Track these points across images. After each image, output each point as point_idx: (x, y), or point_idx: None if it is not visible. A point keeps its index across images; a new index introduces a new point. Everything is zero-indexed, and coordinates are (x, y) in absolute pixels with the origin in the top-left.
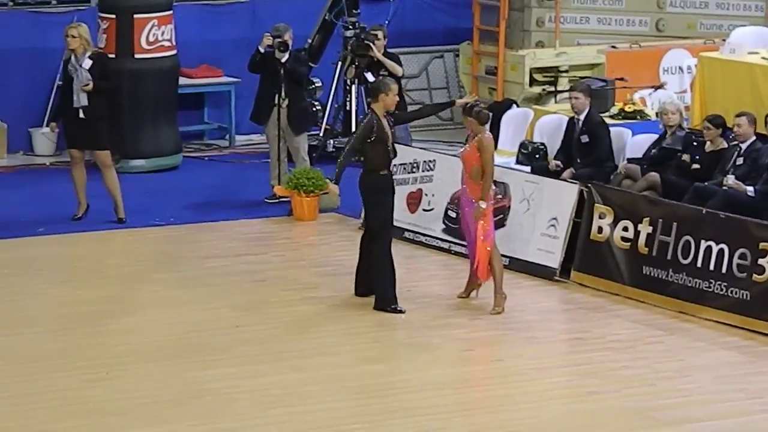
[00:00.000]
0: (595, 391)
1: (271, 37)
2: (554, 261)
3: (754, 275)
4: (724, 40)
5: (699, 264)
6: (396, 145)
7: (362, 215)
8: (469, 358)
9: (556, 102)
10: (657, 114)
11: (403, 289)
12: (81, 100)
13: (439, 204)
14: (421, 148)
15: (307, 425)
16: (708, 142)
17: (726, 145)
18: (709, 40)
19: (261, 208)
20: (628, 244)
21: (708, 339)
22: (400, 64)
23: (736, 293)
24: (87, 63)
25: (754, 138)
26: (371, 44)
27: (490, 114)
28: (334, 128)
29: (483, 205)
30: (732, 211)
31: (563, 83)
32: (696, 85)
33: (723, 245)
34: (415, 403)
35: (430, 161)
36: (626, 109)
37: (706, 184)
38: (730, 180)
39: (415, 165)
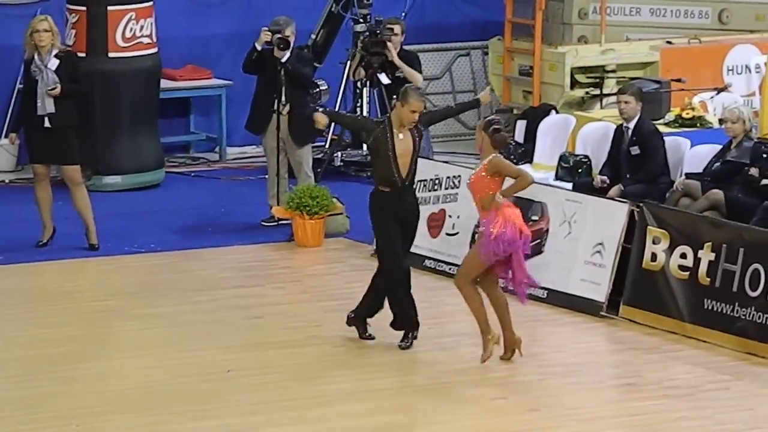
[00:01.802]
0: None
1: (269, 33)
2: (600, 294)
3: None
4: None
5: None
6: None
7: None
8: (500, 407)
9: (601, 107)
10: (720, 121)
11: (424, 327)
12: (46, 106)
13: (465, 227)
14: (443, 162)
15: None
16: None
17: None
18: None
19: (257, 232)
20: (687, 273)
21: None
22: (420, 65)
23: None
24: (53, 63)
25: None
26: (387, 41)
27: (510, 140)
28: (342, 139)
29: (500, 199)
30: None
31: (610, 85)
32: (766, 87)
33: None
34: None
35: (454, 177)
36: (684, 115)
37: None
38: None
39: (437, 181)
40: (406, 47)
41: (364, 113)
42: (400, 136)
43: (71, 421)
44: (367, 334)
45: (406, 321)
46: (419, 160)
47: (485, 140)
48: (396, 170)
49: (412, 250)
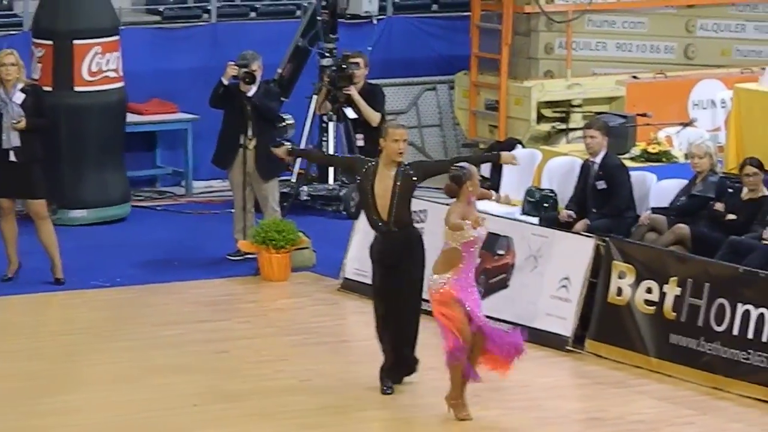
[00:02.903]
0: None
1: (236, 67)
2: (566, 328)
3: None
4: (763, 68)
5: (735, 331)
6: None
7: None
8: None
9: (567, 142)
10: (686, 156)
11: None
12: (12, 140)
13: (430, 261)
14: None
15: None
16: (745, 189)
17: (766, 193)
18: (747, 69)
19: (223, 266)
20: (653, 308)
21: (746, 419)
22: (383, 99)
23: None
24: (19, 97)
25: None
26: (353, 77)
27: (461, 185)
28: (308, 173)
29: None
30: None
31: (576, 120)
32: (731, 122)
33: (763, 309)
34: None
35: (420, 211)
36: (650, 149)
37: (743, 237)
38: None
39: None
40: (371, 81)
41: (330, 148)
42: (386, 174)
43: None
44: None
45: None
46: None
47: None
48: (375, 212)
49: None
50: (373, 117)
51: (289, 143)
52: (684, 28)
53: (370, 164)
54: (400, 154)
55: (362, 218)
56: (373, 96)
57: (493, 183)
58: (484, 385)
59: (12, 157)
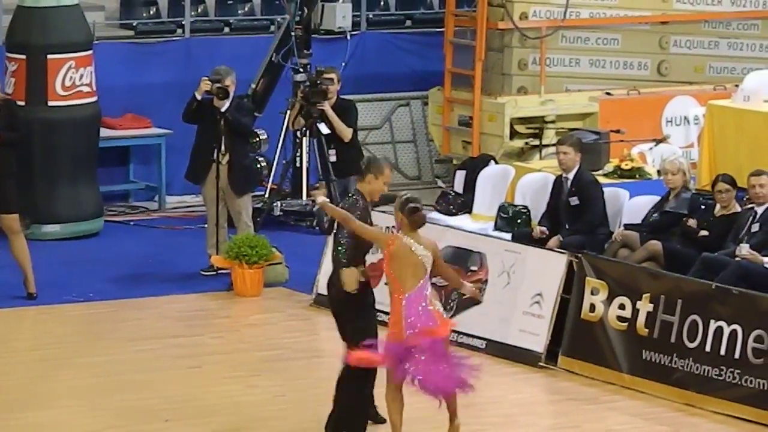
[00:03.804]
0: None
1: (209, 82)
2: (539, 344)
3: None
4: (736, 85)
5: (708, 348)
6: None
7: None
8: None
9: (541, 158)
10: (659, 172)
11: None
12: None
13: None
14: (381, 212)
15: None
16: (718, 205)
17: (739, 209)
18: (720, 85)
19: (196, 281)
20: (625, 324)
21: None
22: (356, 114)
23: (751, 382)
24: None
25: None
26: (327, 93)
27: (425, 219)
28: (281, 188)
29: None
30: (746, 285)
31: (549, 136)
32: (704, 139)
33: (736, 326)
34: None
35: (392, 227)
36: (623, 166)
37: (716, 254)
38: (744, 249)
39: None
40: (344, 97)
41: (304, 162)
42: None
43: None
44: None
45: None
46: None
47: (403, 221)
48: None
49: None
50: (346, 132)
51: (263, 158)
52: (657, 44)
53: (358, 201)
54: (376, 198)
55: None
56: (346, 111)
57: (466, 199)
58: (457, 401)
59: None
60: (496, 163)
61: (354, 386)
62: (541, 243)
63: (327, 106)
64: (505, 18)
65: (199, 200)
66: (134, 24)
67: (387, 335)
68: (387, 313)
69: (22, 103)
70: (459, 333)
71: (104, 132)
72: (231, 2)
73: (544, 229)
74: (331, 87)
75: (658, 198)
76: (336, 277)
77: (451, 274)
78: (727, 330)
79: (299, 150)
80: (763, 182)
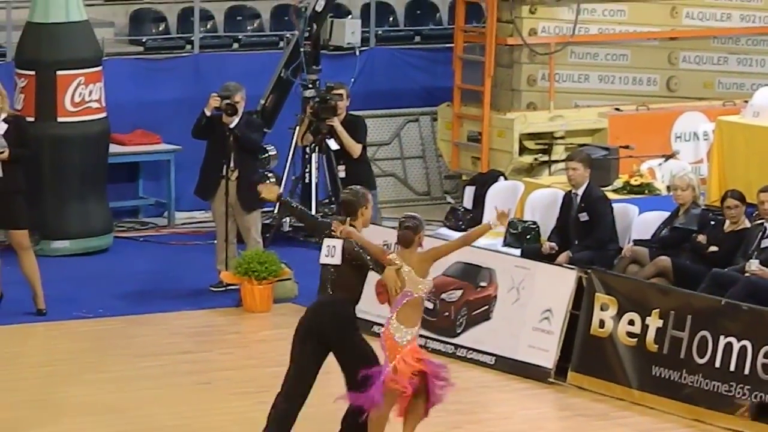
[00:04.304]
0: None
1: (218, 99)
2: (548, 360)
3: None
4: (746, 101)
5: (717, 364)
6: None
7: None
8: None
9: (550, 174)
10: (668, 188)
11: None
12: None
13: None
14: (391, 228)
15: None
16: (727, 221)
17: (748, 225)
18: (729, 101)
19: (205, 297)
20: (635, 340)
21: None
22: (365, 130)
23: (761, 399)
24: (2, 127)
25: None
26: (337, 109)
27: (416, 236)
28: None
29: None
30: (756, 301)
31: (559, 152)
32: (714, 154)
33: (746, 342)
34: None
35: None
36: (632, 182)
37: (725, 270)
38: (754, 265)
39: (385, 247)
40: (353, 112)
41: (313, 178)
42: None
43: None
44: None
45: None
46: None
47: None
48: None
49: (362, 315)
50: (355, 148)
51: (272, 174)
52: (667, 60)
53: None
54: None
55: None
56: (355, 127)
57: (475, 215)
58: (466, 417)
59: None
60: (506, 178)
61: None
62: (550, 259)
63: (336, 122)
64: (514, 34)
65: (209, 216)
66: (143, 40)
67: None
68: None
69: (32, 119)
70: (468, 348)
71: (113, 148)
72: (240, 18)
73: (553, 244)
74: (340, 103)
75: (667, 214)
76: (330, 308)
77: (453, 245)
78: (736, 346)
79: (308, 166)
80: (766, 199)
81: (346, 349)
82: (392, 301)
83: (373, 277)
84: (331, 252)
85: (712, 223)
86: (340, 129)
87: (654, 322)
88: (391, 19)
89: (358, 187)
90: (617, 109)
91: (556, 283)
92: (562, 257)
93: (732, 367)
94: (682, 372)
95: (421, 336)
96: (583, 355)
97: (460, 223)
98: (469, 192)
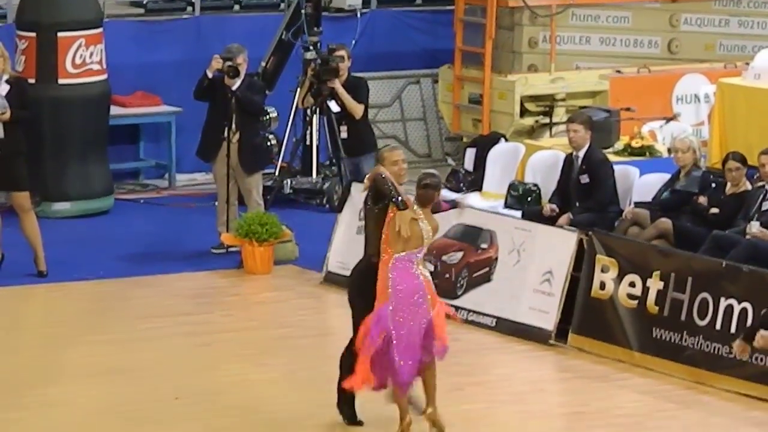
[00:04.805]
0: None
1: (220, 60)
2: (549, 322)
3: None
4: (747, 63)
5: (718, 326)
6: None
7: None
8: None
9: (551, 136)
10: (669, 150)
11: None
12: None
13: None
14: None
15: None
16: (728, 184)
17: (749, 187)
18: (731, 63)
19: (206, 259)
20: (636, 302)
21: (729, 414)
22: (367, 92)
23: (761, 360)
24: (4, 88)
25: None
26: (339, 70)
27: (436, 193)
28: (291, 166)
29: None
30: (757, 263)
31: (560, 114)
32: (715, 117)
33: (746, 304)
34: None
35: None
36: (633, 144)
37: (726, 232)
38: (755, 227)
39: None
40: (355, 74)
41: (314, 140)
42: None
43: None
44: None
45: None
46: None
47: (417, 193)
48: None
49: None
50: (357, 109)
51: (273, 136)
52: (668, 22)
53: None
54: (401, 176)
55: (345, 212)
56: (357, 89)
57: (476, 177)
58: (468, 379)
59: None
60: (507, 141)
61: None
62: (551, 221)
63: (338, 84)
64: None
65: (209, 178)
66: (144, 2)
67: (376, 302)
68: None
69: (33, 81)
70: (469, 311)
71: (114, 110)
72: None
73: (554, 206)
74: (341, 64)
75: (668, 176)
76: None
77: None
78: (737, 308)
79: (309, 128)
80: (766, 162)
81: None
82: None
83: None
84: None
85: (713, 185)
86: (341, 91)
87: (655, 284)
88: None
89: (384, 146)
90: (618, 72)
91: (556, 245)
92: (563, 219)
93: (733, 329)
94: (682, 334)
95: None
96: (583, 317)
97: (461, 185)
98: (470, 154)
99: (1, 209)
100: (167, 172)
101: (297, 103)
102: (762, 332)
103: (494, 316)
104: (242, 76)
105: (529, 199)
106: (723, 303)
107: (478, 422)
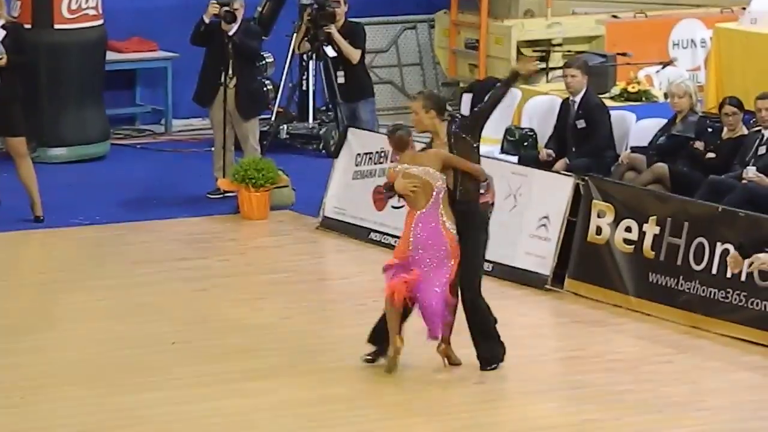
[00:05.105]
0: (593, 419)
1: (217, 6)
2: (545, 267)
3: None
4: (744, 8)
5: (714, 270)
6: (360, 131)
7: None
8: (444, 380)
9: (547, 81)
10: (665, 95)
11: (368, 299)
12: None
13: None
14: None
15: None
16: (725, 129)
17: (746, 132)
18: (727, 8)
19: (202, 204)
20: (632, 247)
21: (724, 358)
22: (364, 38)
23: (757, 305)
24: (0, 33)
25: None
26: (335, 15)
27: (410, 140)
28: (288, 111)
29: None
30: (753, 208)
31: (556, 59)
32: (711, 62)
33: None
34: None
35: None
36: (630, 89)
37: (722, 176)
38: (751, 172)
39: (382, 154)
40: (352, 20)
41: (310, 86)
42: (438, 145)
43: (14, 395)
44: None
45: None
46: (365, 133)
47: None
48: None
49: (359, 223)
50: (354, 54)
51: (269, 81)
52: None
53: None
54: (419, 127)
55: (342, 157)
56: (355, 34)
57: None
58: (463, 323)
59: None
60: None
61: None
62: (547, 166)
63: (334, 29)
64: None
65: (206, 123)
66: None
67: (394, 251)
68: (392, 236)
69: (29, 27)
70: None
71: (110, 55)
72: None
73: (550, 152)
74: (338, 9)
75: (664, 121)
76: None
77: (471, 166)
78: (733, 253)
79: (305, 73)
80: (763, 106)
81: None
82: (424, 204)
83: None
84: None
85: (710, 130)
86: (337, 36)
87: (651, 229)
88: None
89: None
90: (615, 17)
91: (553, 190)
92: (560, 164)
93: (728, 274)
94: (678, 279)
95: None
96: (580, 262)
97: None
98: (467, 99)
99: None
100: (164, 117)
101: (293, 49)
102: (759, 256)
103: (491, 261)
104: (239, 21)
105: (525, 144)
106: (719, 248)
107: (474, 366)
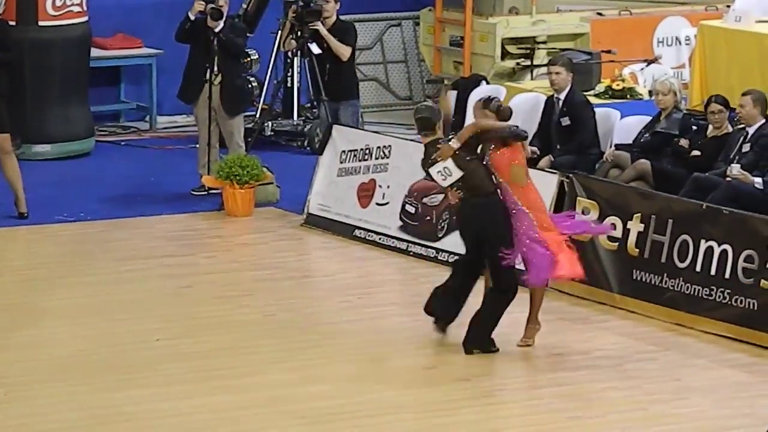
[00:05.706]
0: (577, 416)
1: (203, 3)
2: None
3: (762, 281)
4: (728, 6)
5: (698, 268)
6: (344, 128)
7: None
8: (430, 377)
9: (532, 78)
10: (650, 92)
11: (353, 296)
12: None
13: (395, 197)
14: (373, 132)
15: None
16: (710, 126)
17: (730, 130)
18: (711, 6)
19: (187, 201)
20: (616, 244)
21: (708, 355)
22: (355, 36)
23: (741, 302)
24: None
25: (763, 121)
26: (322, 13)
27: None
28: (272, 108)
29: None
30: (737, 206)
31: (541, 56)
32: (696, 59)
33: (726, 246)
34: (367, 430)
35: (384, 147)
36: (614, 86)
37: (707, 174)
38: (735, 170)
39: (367, 151)
40: (342, 18)
41: (295, 83)
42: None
43: None
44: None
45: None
46: (350, 130)
47: (490, 117)
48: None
49: (343, 220)
50: (344, 51)
51: (254, 78)
52: None
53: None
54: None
55: (326, 154)
56: (346, 33)
57: (456, 121)
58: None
59: None
60: (488, 83)
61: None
62: (532, 163)
63: (321, 26)
64: None
65: (190, 120)
66: None
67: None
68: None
69: (13, 23)
70: (450, 253)
71: (95, 52)
72: None
73: (535, 149)
74: (327, 6)
75: (649, 118)
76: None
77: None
78: (717, 250)
79: (290, 70)
80: (743, 103)
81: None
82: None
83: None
84: (446, 174)
85: (695, 128)
86: (325, 33)
87: (635, 226)
88: None
89: (429, 103)
90: (599, 14)
91: (538, 187)
92: (544, 161)
93: (713, 271)
94: (663, 276)
95: (402, 240)
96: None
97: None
98: (451, 96)
99: None
100: (148, 114)
101: (278, 46)
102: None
103: None
104: (224, 18)
105: None
106: (703, 245)
107: (459, 364)
